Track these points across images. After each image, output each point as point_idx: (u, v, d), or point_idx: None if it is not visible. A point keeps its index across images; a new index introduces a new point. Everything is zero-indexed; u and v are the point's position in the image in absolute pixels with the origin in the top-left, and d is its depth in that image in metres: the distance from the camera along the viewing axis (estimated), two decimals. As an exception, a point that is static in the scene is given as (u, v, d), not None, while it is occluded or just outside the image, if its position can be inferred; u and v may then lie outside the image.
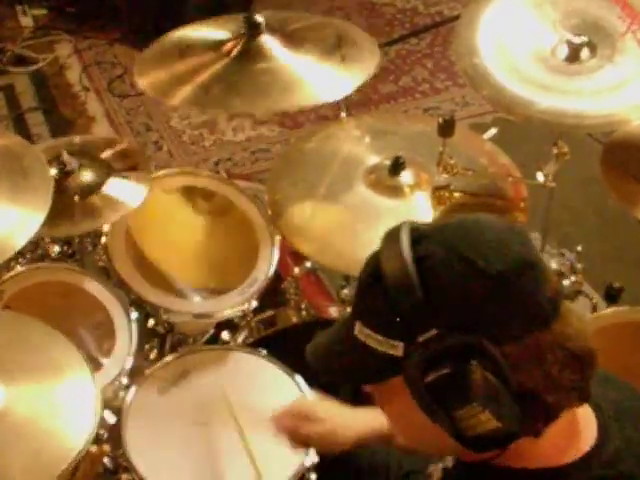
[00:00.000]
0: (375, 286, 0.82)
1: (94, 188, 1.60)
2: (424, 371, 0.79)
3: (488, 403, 0.77)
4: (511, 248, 0.81)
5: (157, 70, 1.65)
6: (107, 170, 1.64)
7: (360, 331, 0.84)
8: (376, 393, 0.91)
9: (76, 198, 1.58)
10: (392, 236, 0.84)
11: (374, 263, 0.84)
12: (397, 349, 0.80)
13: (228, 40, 1.66)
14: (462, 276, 0.79)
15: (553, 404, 0.80)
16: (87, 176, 1.62)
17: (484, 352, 0.77)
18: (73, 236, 1.71)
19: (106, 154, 1.69)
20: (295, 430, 1.22)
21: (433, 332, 0.78)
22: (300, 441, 1.24)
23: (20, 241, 1.31)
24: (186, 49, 1.67)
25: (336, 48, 1.64)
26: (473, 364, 0.77)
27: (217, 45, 1.66)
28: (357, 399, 1.57)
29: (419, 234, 0.83)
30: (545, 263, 0.84)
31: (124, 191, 1.61)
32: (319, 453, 1.31)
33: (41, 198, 1.37)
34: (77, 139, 1.77)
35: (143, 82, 1.64)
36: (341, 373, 0.90)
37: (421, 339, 0.78)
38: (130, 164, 1.66)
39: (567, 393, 0.81)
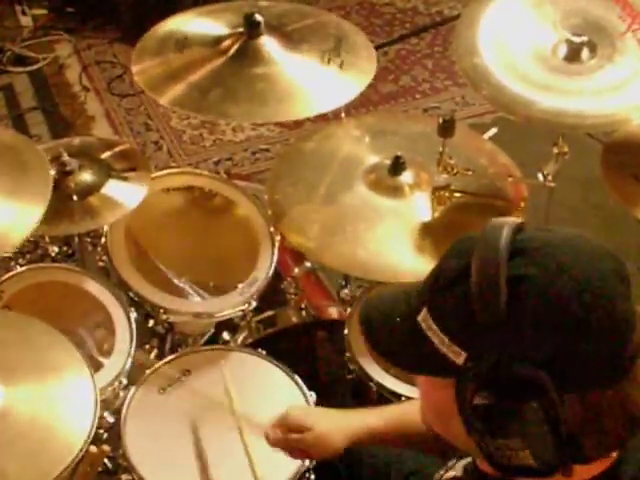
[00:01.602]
0: (457, 285, 0.77)
1: (93, 188, 1.60)
2: (478, 390, 0.75)
3: (532, 444, 0.75)
4: (615, 301, 0.75)
5: (153, 60, 1.64)
6: (107, 171, 1.64)
7: (425, 320, 0.79)
8: (418, 380, 0.87)
9: (75, 198, 1.58)
10: (491, 238, 0.76)
11: (464, 260, 0.77)
12: (459, 357, 0.76)
13: (226, 37, 1.66)
14: (554, 314, 0.74)
15: (593, 452, 0.78)
16: (87, 176, 1.62)
17: (547, 396, 0.73)
18: (72, 236, 1.70)
19: (106, 155, 1.69)
20: (287, 443, 1.21)
21: (503, 356, 0.74)
22: (295, 452, 1.23)
23: (19, 236, 1.31)
24: (184, 41, 1.66)
25: (334, 54, 1.64)
26: (532, 404, 0.73)
27: (215, 41, 1.66)
28: (357, 399, 1.58)
29: (522, 247, 0.76)
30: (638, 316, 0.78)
31: (123, 192, 1.61)
32: (316, 459, 1.31)
33: (40, 193, 1.37)
34: (77, 140, 1.77)
35: (138, 72, 1.63)
36: (390, 353, 0.85)
37: (487, 358, 0.74)
38: (130, 165, 1.66)
39: (611, 445, 0.79)
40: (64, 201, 1.56)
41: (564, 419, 0.74)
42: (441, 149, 1.49)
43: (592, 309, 0.74)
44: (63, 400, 1.21)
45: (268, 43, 1.64)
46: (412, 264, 1.46)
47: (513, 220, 0.80)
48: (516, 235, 0.77)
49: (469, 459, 0.95)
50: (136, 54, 1.67)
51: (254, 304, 1.62)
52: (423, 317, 0.79)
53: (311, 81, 1.62)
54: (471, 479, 0.91)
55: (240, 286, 1.61)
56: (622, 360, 0.76)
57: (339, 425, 1.21)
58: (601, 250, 0.79)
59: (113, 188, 1.61)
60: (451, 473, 0.97)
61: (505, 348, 0.74)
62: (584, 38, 1.54)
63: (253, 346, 1.56)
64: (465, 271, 0.76)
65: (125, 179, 1.63)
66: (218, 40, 1.66)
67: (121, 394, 1.44)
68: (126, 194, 1.61)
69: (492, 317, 0.74)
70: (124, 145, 1.78)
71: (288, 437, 1.21)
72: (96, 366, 1.43)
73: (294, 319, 1.75)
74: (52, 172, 1.58)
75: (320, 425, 1.20)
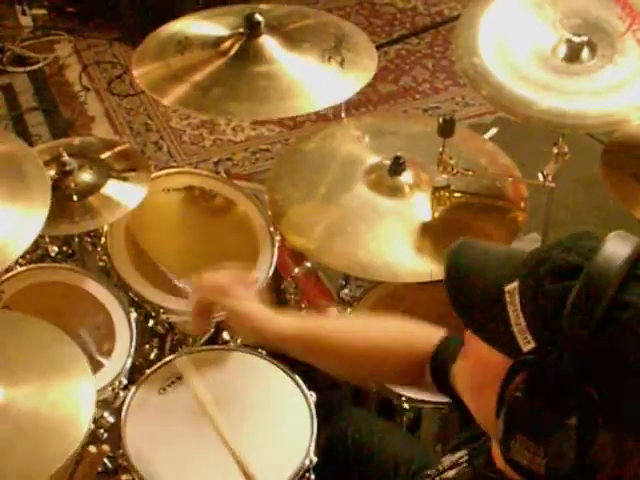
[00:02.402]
0: (562, 281, 0.74)
1: (93, 189, 1.61)
2: (529, 383, 0.74)
3: (552, 457, 0.74)
4: None
5: (154, 63, 1.65)
6: (106, 171, 1.64)
7: (511, 293, 0.77)
8: (471, 341, 0.84)
9: (75, 198, 1.59)
10: (614, 252, 0.73)
11: (578, 259, 0.74)
12: (526, 345, 0.75)
13: (227, 38, 1.66)
14: (637, 357, 0.71)
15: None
16: (86, 177, 1.62)
17: (591, 420, 0.72)
18: (72, 236, 1.71)
19: (105, 155, 1.69)
20: (210, 299, 1.21)
21: (568, 366, 0.72)
22: (208, 309, 1.23)
23: (19, 248, 1.30)
24: (185, 41, 1.67)
25: (335, 52, 1.64)
26: (571, 422, 0.72)
27: (215, 42, 1.66)
28: (357, 399, 1.58)
29: (639, 273, 0.73)
30: None
31: (123, 192, 1.61)
32: (228, 329, 1.28)
33: (39, 203, 1.36)
34: (77, 140, 1.77)
35: (139, 75, 1.64)
36: (462, 304, 0.82)
37: (551, 359, 0.73)
38: (129, 166, 1.66)
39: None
40: (64, 201, 1.56)
41: (593, 449, 0.73)
42: (441, 149, 1.49)
43: None
44: (63, 399, 1.21)
45: (268, 42, 1.65)
46: (412, 264, 1.46)
47: None
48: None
49: (460, 454, 0.95)
50: (137, 57, 1.67)
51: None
52: (511, 290, 0.77)
53: (312, 79, 1.62)
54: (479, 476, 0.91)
55: (240, 286, 1.61)
56: None
57: (275, 317, 1.19)
58: None
59: (113, 188, 1.61)
60: (451, 472, 0.97)
61: (573, 360, 0.72)
62: (584, 38, 1.54)
63: (253, 346, 1.56)
64: (574, 271, 0.73)
65: (125, 179, 1.64)
66: (219, 41, 1.67)
67: (121, 394, 1.43)
68: (126, 194, 1.61)
69: (577, 328, 0.71)
70: (124, 145, 1.78)
71: (217, 294, 1.21)
72: (96, 366, 1.43)
73: (294, 319, 1.75)
74: (52, 173, 1.59)
75: (258, 306, 1.20)
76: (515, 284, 0.77)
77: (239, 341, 1.65)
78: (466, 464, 0.95)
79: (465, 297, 0.82)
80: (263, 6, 1.77)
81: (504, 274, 0.78)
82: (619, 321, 0.72)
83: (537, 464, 0.75)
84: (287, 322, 1.19)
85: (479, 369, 0.83)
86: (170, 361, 1.47)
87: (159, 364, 1.47)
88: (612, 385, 0.72)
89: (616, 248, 0.74)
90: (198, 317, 1.27)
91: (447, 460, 0.99)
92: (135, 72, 1.65)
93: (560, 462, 0.74)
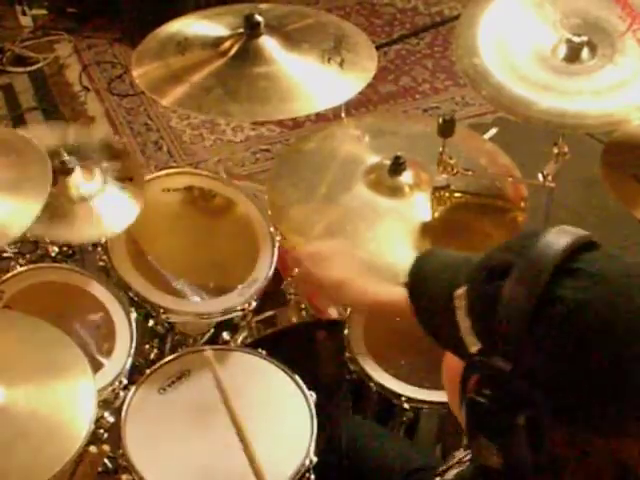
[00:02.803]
0: (496, 280, 0.74)
1: (92, 193, 1.59)
2: (479, 384, 0.74)
3: (509, 458, 0.73)
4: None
5: (154, 64, 1.65)
6: (104, 177, 1.62)
7: (459, 298, 0.78)
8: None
9: (75, 201, 1.58)
10: (546, 246, 0.72)
11: (513, 257, 0.73)
12: (472, 346, 0.76)
13: (226, 38, 1.66)
14: (575, 353, 0.70)
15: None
16: (85, 180, 1.61)
17: (537, 420, 0.71)
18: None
19: (104, 160, 1.67)
20: (307, 272, 1.22)
21: (509, 364, 0.72)
22: (308, 283, 1.24)
23: (17, 230, 1.29)
24: (185, 42, 1.67)
25: (335, 52, 1.64)
26: (520, 420, 0.71)
27: (215, 42, 1.66)
28: (357, 399, 1.58)
29: (577, 267, 0.71)
30: None
31: (120, 202, 1.59)
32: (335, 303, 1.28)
33: (39, 187, 1.35)
34: (76, 139, 1.76)
35: (139, 75, 1.63)
36: (419, 309, 0.84)
37: (496, 360, 0.73)
38: (126, 175, 1.64)
39: None
40: (63, 205, 1.55)
41: (545, 445, 0.72)
42: (441, 149, 1.49)
43: (620, 370, 0.70)
44: (63, 399, 1.21)
45: (268, 43, 1.65)
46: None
47: (583, 234, 0.75)
48: (578, 251, 0.73)
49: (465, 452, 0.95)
50: (136, 57, 1.67)
51: (254, 304, 1.62)
52: (459, 295, 0.78)
53: (311, 79, 1.62)
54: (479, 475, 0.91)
55: (240, 286, 1.61)
56: (624, 419, 0.72)
57: (370, 283, 1.21)
58: None
59: (111, 195, 1.59)
60: (453, 471, 0.98)
61: (513, 358, 0.72)
62: (584, 38, 1.54)
63: (253, 346, 1.56)
64: (507, 269, 0.73)
65: (122, 188, 1.62)
66: (218, 41, 1.67)
67: (121, 394, 1.44)
68: (122, 205, 1.58)
69: (512, 326, 0.71)
70: (121, 147, 1.77)
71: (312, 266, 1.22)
72: (96, 366, 1.43)
73: (294, 319, 1.75)
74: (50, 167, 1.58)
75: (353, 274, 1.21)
76: (463, 289, 0.78)
77: (239, 341, 1.66)
78: (469, 462, 0.95)
79: (424, 304, 0.84)
80: (263, 6, 1.77)
81: (456, 280, 0.79)
82: (550, 316, 0.70)
83: (496, 462, 0.75)
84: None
85: (449, 371, 0.84)
86: (170, 361, 1.48)
87: (159, 364, 1.48)
88: (554, 381, 0.71)
89: (550, 243, 0.72)
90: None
91: (456, 456, 1.00)
92: (134, 72, 1.64)
93: (516, 461, 0.74)
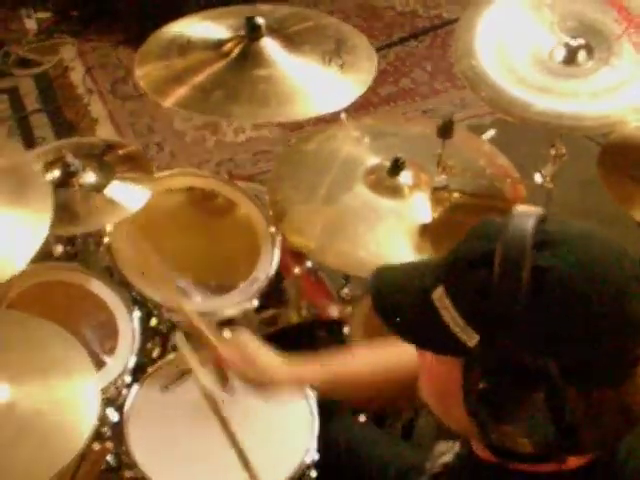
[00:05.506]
0: (480, 268, 0.75)
1: (97, 190, 1.62)
2: (487, 373, 0.75)
3: (533, 434, 0.75)
4: (631, 302, 0.75)
5: (156, 65, 1.66)
6: (110, 172, 1.65)
7: (440, 299, 0.78)
8: (420, 357, 0.86)
9: (79, 199, 1.60)
10: (519, 226, 0.76)
11: (489, 244, 0.76)
12: (471, 340, 0.75)
13: (228, 40, 1.68)
14: (572, 310, 0.73)
15: (589, 446, 0.79)
16: (90, 178, 1.63)
17: (554, 388, 0.73)
18: (76, 235, 1.72)
19: (109, 156, 1.70)
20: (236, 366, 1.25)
21: (517, 344, 0.73)
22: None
23: (20, 261, 1.27)
24: (187, 44, 1.68)
25: (335, 55, 1.66)
26: (539, 394, 0.73)
27: (217, 45, 1.68)
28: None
29: (547, 238, 0.75)
30: None
31: (126, 194, 1.62)
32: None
33: (40, 217, 1.33)
34: (81, 141, 1.79)
35: (141, 76, 1.65)
36: (398, 324, 0.83)
37: (500, 343, 0.74)
38: (133, 167, 1.68)
39: (608, 440, 0.79)
40: (68, 201, 1.58)
41: (567, 412, 0.74)
42: (440, 150, 1.50)
43: (609, 309, 0.74)
44: (67, 398, 1.22)
45: (269, 45, 1.66)
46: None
47: (537, 210, 0.79)
48: (542, 229, 0.76)
49: (450, 444, 0.96)
50: (139, 58, 1.68)
51: (255, 303, 1.63)
52: (438, 295, 0.78)
53: (312, 82, 1.63)
54: (465, 465, 0.91)
55: (241, 286, 1.62)
56: (628, 362, 0.76)
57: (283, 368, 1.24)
58: (618, 248, 0.79)
59: (116, 190, 1.62)
60: (442, 460, 0.98)
61: (519, 337, 0.73)
62: (581, 41, 1.55)
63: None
64: (489, 255, 0.75)
65: (128, 181, 1.65)
66: (220, 43, 1.68)
67: (124, 392, 1.45)
68: (129, 196, 1.62)
69: (511, 306, 0.73)
70: (128, 147, 1.79)
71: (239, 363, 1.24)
72: (99, 364, 1.45)
73: (294, 319, 1.76)
74: (56, 172, 1.60)
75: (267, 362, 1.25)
76: (440, 288, 0.78)
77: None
78: (452, 455, 0.96)
79: (399, 318, 0.82)
80: (264, 7, 1.78)
81: (426, 284, 0.80)
82: (546, 287, 0.73)
83: (523, 446, 0.76)
84: (309, 374, 1.23)
85: (436, 380, 0.84)
86: (172, 360, 1.49)
87: (161, 362, 1.49)
88: (564, 345, 0.73)
89: (519, 223, 0.76)
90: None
91: (439, 449, 1.01)
92: (137, 73, 1.65)
93: (543, 434, 0.75)
